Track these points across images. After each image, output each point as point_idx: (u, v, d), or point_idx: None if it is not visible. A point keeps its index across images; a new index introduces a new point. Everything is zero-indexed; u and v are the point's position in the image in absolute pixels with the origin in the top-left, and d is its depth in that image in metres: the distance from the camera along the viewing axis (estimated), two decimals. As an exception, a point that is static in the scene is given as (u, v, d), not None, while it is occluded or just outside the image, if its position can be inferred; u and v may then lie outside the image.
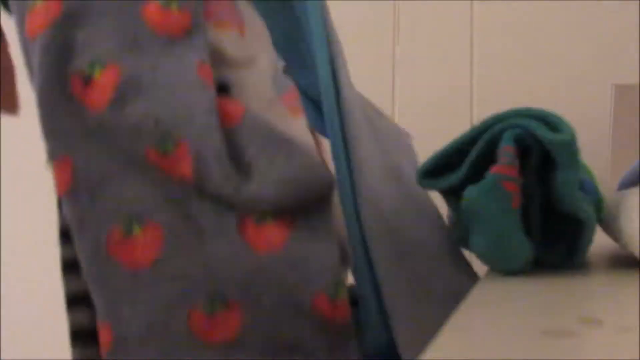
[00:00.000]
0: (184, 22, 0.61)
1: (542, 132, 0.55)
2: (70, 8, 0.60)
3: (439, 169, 0.63)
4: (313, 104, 0.79)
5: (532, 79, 1.48)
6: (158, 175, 0.58)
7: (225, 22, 0.65)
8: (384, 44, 1.56)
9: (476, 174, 0.58)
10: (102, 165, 0.58)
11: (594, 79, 1.45)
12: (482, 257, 0.59)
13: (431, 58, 1.54)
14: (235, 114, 0.60)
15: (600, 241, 0.64)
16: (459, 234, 0.65)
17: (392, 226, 0.72)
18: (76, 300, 0.60)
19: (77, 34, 0.60)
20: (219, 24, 0.64)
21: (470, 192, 0.56)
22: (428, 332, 0.70)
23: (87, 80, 0.59)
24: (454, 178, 0.61)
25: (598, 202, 0.62)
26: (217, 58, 0.62)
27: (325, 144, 0.72)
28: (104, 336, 0.57)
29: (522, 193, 0.56)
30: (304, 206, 0.60)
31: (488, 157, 0.58)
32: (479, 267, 0.68)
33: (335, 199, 0.64)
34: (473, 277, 0.74)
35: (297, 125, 0.65)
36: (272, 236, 0.58)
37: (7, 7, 0.68)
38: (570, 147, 0.55)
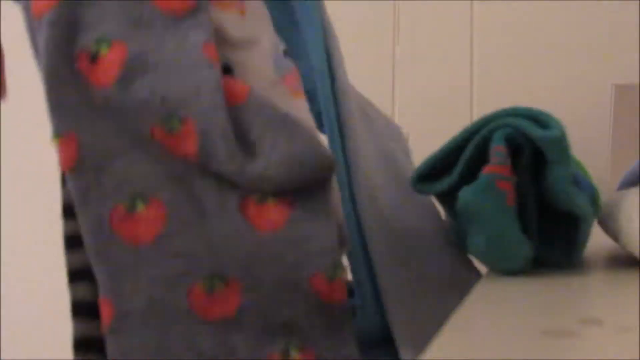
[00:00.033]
0: (189, 1, 0.61)
1: (532, 130, 0.55)
2: None
3: (433, 173, 0.63)
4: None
5: (532, 79, 1.48)
6: (162, 153, 0.59)
7: (226, 3, 0.65)
8: (384, 44, 1.56)
9: (470, 175, 0.58)
10: (108, 143, 0.59)
11: (594, 79, 1.45)
12: (481, 257, 0.59)
13: (431, 58, 1.54)
14: (240, 93, 0.60)
15: (600, 241, 0.64)
16: (457, 237, 0.65)
17: (387, 213, 0.72)
18: (78, 275, 0.61)
19: (83, 12, 0.60)
20: (220, 4, 0.64)
21: (465, 193, 0.56)
22: (423, 317, 0.71)
23: (94, 58, 0.59)
24: (448, 181, 0.62)
25: (594, 197, 0.62)
26: (219, 38, 0.63)
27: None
28: (105, 311, 0.57)
29: (516, 192, 0.56)
30: (305, 187, 0.60)
31: (481, 158, 0.58)
32: (479, 267, 0.68)
33: (334, 182, 0.64)
34: (468, 264, 0.75)
35: (298, 106, 0.65)
36: (273, 215, 0.59)
37: None
38: (561, 143, 0.55)
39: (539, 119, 0.57)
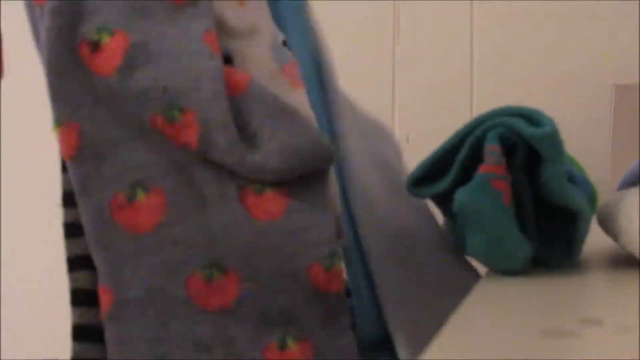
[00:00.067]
0: None
1: (524, 128, 0.55)
2: None
3: (429, 175, 0.63)
4: None
5: (532, 79, 1.48)
6: (163, 142, 0.59)
7: None
8: (384, 44, 1.56)
9: (465, 177, 0.58)
10: (108, 131, 0.59)
11: (594, 79, 1.45)
12: (480, 258, 0.59)
13: (431, 58, 1.54)
14: (240, 82, 0.60)
15: (600, 241, 0.64)
16: (456, 239, 0.65)
17: (382, 215, 0.73)
18: (77, 263, 0.61)
19: (85, 0, 0.60)
20: None
21: (461, 194, 0.56)
22: (421, 318, 0.71)
23: (95, 46, 0.59)
24: (443, 184, 0.62)
25: (591, 193, 0.62)
26: (219, 27, 0.63)
27: None
28: (105, 299, 0.57)
29: (512, 191, 0.56)
30: (304, 177, 0.60)
31: (475, 159, 0.58)
32: (479, 268, 0.68)
33: (332, 173, 0.64)
34: (466, 264, 0.75)
35: (297, 97, 0.65)
36: (271, 205, 0.59)
37: None
38: (553, 139, 0.55)
39: (531, 117, 0.57)
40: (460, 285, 0.62)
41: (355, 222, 0.70)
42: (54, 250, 0.66)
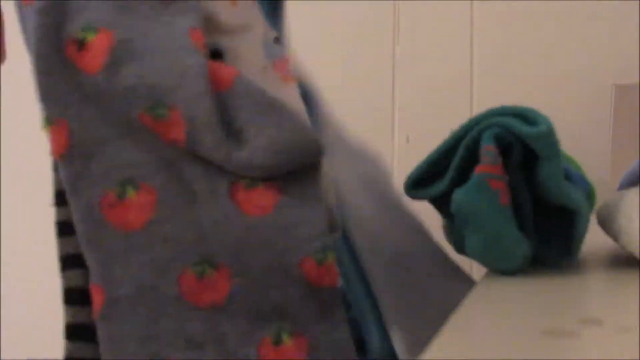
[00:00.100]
0: None
1: (520, 127, 0.56)
2: None
3: (426, 178, 0.63)
4: None
5: (532, 79, 1.48)
6: (152, 139, 0.59)
7: None
8: (384, 44, 1.56)
9: (463, 177, 0.58)
10: (97, 129, 0.59)
11: (594, 79, 1.45)
12: (479, 258, 0.59)
13: (431, 58, 1.54)
14: (226, 77, 0.60)
15: (600, 241, 0.64)
16: (455, 240, 0.65)
17: (376, 236, 0.72)
18: (69, 262, 0.61)
19: (71, 0, 0.60)
20: None
21: (458, 195, 0.56)
22: (424, 333, 0.70)
23: (81, 45, 0.59)
24: (441, 185, 0.62)
25: (589, 192, 0.62)
26: (211, 24, 0.63)
27: None
28: (96, 298, 0.57)
29: (510, 191, 0.56)
30: (295, 172, 0.60)
31: (472, 160, 0.58)
32: (479, 269, 0.68)
33: (324, 167, 0.64)
34: (464, 277, 0.74)
35: (288, 92, 0.65)
36: (262, 200, 0.59)
37: None
38: (548, 138, 0.55)
39: (526, 116, 0.57)
40: (458, 295, 0.61)
41: (352, 246, 0.69)
42: (54, 250, 0.66)
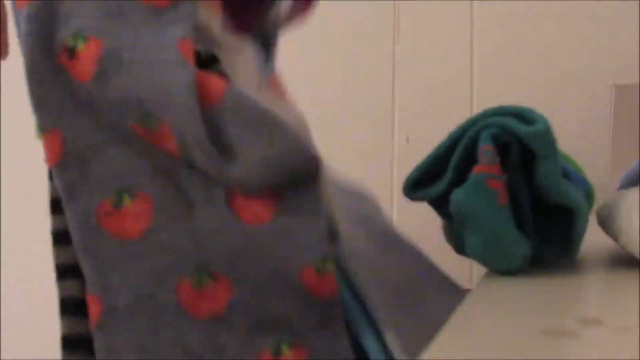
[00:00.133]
0: None
1: (517, 126, 0.56)
2: None
3: (425, 179, 0.63)
4: None
5: (532, 79, 1.48)
6: (147, 147, 0.58)
7: (214, 4, 0.65)
8: (384, 44, 1.56)
9: (462, 178, 0.58)
10: (92, 137, 0.58)
11: (594, 79, 1.45)
12: (479, 258, 0.59)
13: (431, 58, 1.54)
14: (216, 91, 0.59)
15: (599, 241, 0.64)
16: (454, 241, 0.65)
17: (375, 268, 0.70)
18: (66, 272, 0.60)
19: (61, 4, 0.59)
20: (209, 4, 0.64)
21: (457, 195, 0.56)
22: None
23: (71, 53, 0.58)
24: (440, 186, 0.62)
25: (588, 190, 0.62)
26: (207, 35, 0.62)
27: None
28: (93, 309, 0.57)
29: (509, 191, 0.56)
30: (294, 181, 0.59)
31: (470, 160, 0.58)
32: (479, 270, 0.68)
33: (325, 175, 0.63)
34: (461, 294, 0.73)
35: (284, 107, 0.65)
36: (260, 209, 0.58)
37: None
38: (546, 136, 0.55)
39: (523, 116, 0.57)
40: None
41: (351, 280, 0.68)
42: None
